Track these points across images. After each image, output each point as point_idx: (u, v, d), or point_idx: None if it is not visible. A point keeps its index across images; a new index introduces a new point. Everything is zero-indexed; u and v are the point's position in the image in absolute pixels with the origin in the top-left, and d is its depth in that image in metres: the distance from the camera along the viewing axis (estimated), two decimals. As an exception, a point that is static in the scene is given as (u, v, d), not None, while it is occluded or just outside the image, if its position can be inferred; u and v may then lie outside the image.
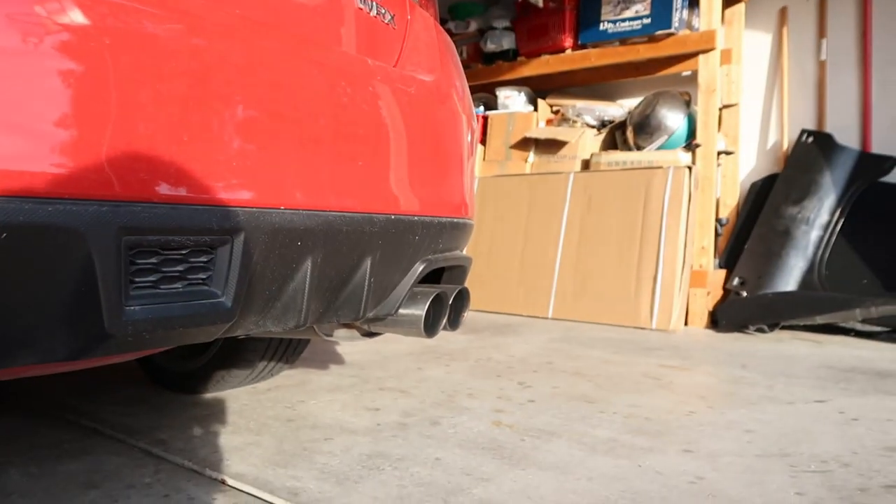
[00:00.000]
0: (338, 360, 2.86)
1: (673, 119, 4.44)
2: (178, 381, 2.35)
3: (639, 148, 4.53)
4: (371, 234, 1.39)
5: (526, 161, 4.89)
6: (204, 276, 1.11)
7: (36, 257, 0.89)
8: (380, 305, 1.56)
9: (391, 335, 1.81)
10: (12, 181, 0.85)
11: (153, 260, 1.05)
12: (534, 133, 4.87)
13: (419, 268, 1.59)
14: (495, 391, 2.43)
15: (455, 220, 1.72)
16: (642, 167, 4.31)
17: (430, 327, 1.66)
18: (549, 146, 4.81)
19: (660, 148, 4.41)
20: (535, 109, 5.05)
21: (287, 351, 2.33)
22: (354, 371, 2.67)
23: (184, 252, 1.08)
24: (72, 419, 1.94)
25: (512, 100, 5.11)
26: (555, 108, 5.13)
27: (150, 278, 1.05)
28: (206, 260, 1.11)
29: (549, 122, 5.06)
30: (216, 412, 2.06)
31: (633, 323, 4.03)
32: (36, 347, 0.94)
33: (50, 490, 1.45)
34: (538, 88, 5.18)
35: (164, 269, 1.06)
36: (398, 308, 1.60)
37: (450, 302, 1.63)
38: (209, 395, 2.25)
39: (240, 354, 2.28)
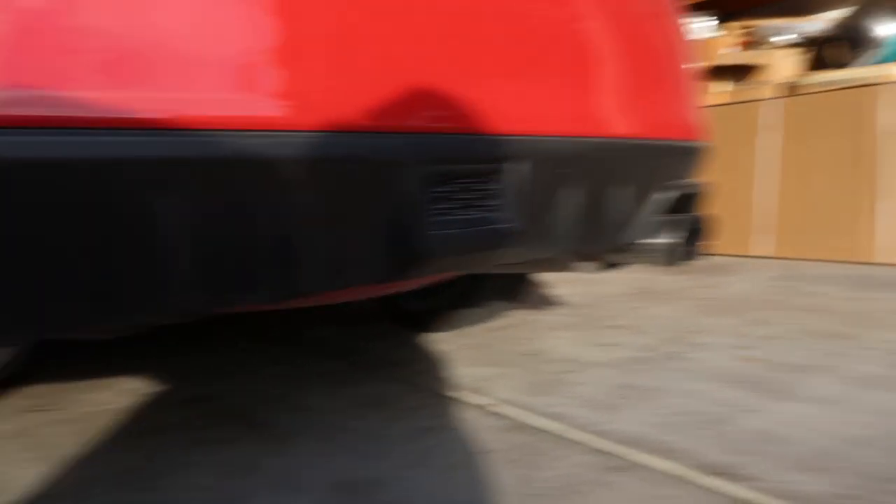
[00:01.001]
0: (556, 301, 2.89)
1: (885, 29, 3.88)
2: (416, 320, 2.50)
3: (844, 66, 4.02)
4: (618, 159, 1.38)
5: (716, 90, 4.55)
6: (494, 203, 1.17)
7: (367, 186, 0.98)
8: (624, 233, 1.56)
9: (601, 276, 1.79)
10: (349, 115, 0.94)
11: (451, 188, 1.11)
12: (723, 59, 4.50)
13: (657, 194, 1.56)
14: (730, 328, 2.33)
15: (688, 143, 1.66)
16: (851, 86, 3.83)
17: (672, 256, 1.62)
18: (741, 72, 4.43)
19: (870, 64, 3.89)
20: (722, 33, 4.66)
21: (513, 290, 2.39)
22: (576, 311, 2.69)
23: (476, 180, 1.14)
24: (336, 353, 2.15)
25: (697, 25, 4.74)
26: (744, 30, 4.69)
27: (449, 205, 1.12)
28: (494, 187, 1.16)
29: (738, 45, 4.65)
30: (459, 348, 2.17)
31: (852, 257, 3.67)
32: (363, 269, 1.05)
33: (343, 407, 1.62)
34: (725, 10, 4.76)
35: (460, 197, 1.13)
36: (642, 236, 1.58)
37: (689, 230, 1.58)
38: (444, 333, 2.38)
39: (473, 293, 2.38)
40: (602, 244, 1.51)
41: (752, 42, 4.56)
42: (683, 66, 1.70)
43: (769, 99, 4.15)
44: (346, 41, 0.96)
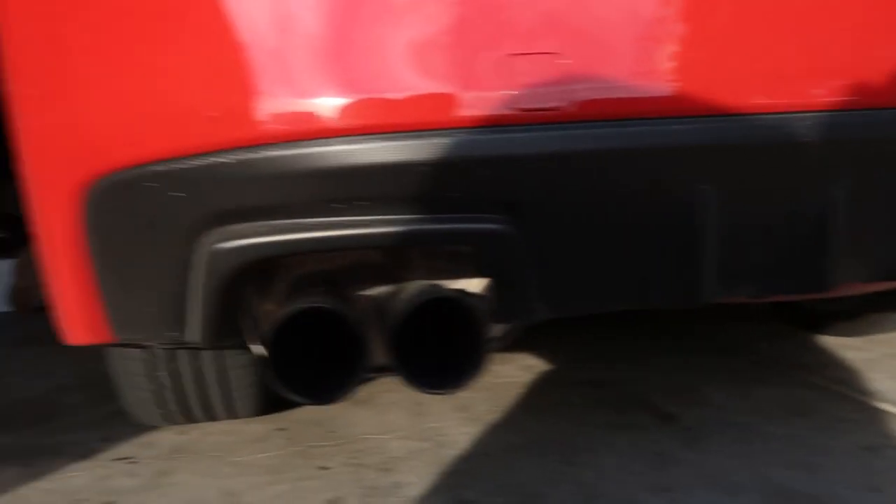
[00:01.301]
0: None
1: None
2: (818, 322, 2.21)
3: None
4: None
5: None
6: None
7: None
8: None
9: None
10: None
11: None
12: None
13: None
14: None
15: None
16: None
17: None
18: None
19: None
20: None
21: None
22: None
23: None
24: (731, 349, 2.00)
25: None
26: None
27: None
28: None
29: None
30: (881, 357, 1.85)
31: None
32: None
33: (757, 408, 1.49)
34: None
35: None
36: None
37: None
38: (854, 339, 2.05)
39: (889, 297, 2.01)
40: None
41: None
42: None
43: None
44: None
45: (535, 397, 1.65)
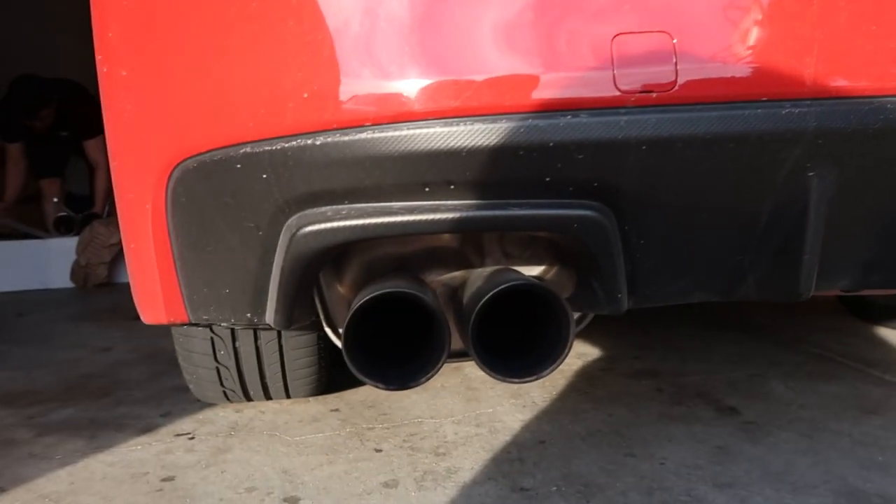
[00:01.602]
0: None
1: None
2: (885, 315, 2.12)
3: None
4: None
5: None
6: None
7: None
8: None
9: None
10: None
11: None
12: None
13: None
14: None
15: None
16: None
17: None
18: None
19: None
20: None
21: None
22: None
23: None
24: (792, 343, 1.94)
25: None
26: None
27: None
28: None
29: None
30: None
31: None
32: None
33: (824, 404, 1.43)
34: None
35: None
36: None
37: None
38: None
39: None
40: None
41: None
42: None
43: None
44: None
45: (591, 386, 1.62)
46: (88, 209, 4.19)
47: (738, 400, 1.49)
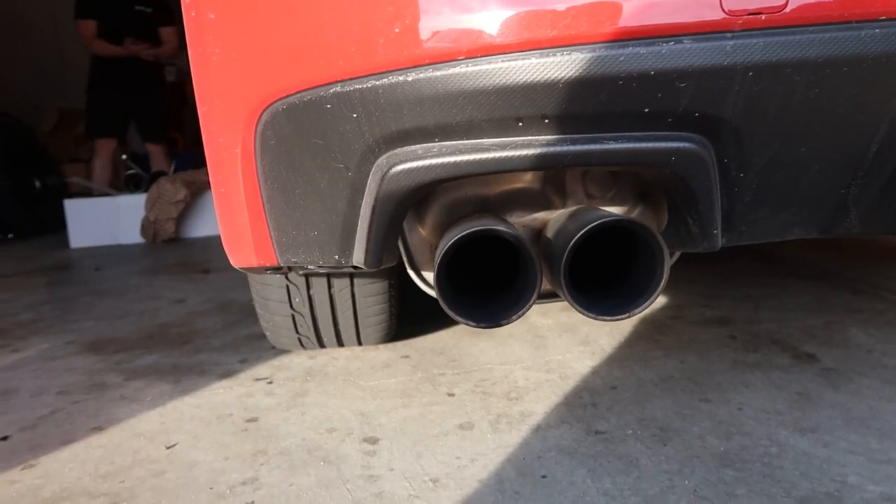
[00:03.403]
0: None
1: None
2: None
3: None
4: None
5: None
6: None
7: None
8: None
9: None
10: None
11: None
12: None
13: None
14: None
15: None
16: None
17: None
18: None
19: None
20: None
21: None
22: None
23: None
24: (868, 290, 1.87)
25: None
26: None
27: None
28: None
29: None
30: None
31: None
32: None
33: (908, 353, 1.39)
34: None
35: None
36: None
37: None
38: None
39: None
40: None
41: None
42: None
43: None
44: None
45: (660, 334, 1.61)
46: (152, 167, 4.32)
47: (816, 347, 1.45)
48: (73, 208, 3.99)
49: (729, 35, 0.67)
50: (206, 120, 0.83)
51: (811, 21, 0.67)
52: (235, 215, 0.86)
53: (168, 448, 1.17)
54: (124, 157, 4.39)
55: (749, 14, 0.66)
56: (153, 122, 4.43)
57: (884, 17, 0.67)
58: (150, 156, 4.47)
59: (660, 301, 1.87)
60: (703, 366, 1.39)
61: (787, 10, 0.66)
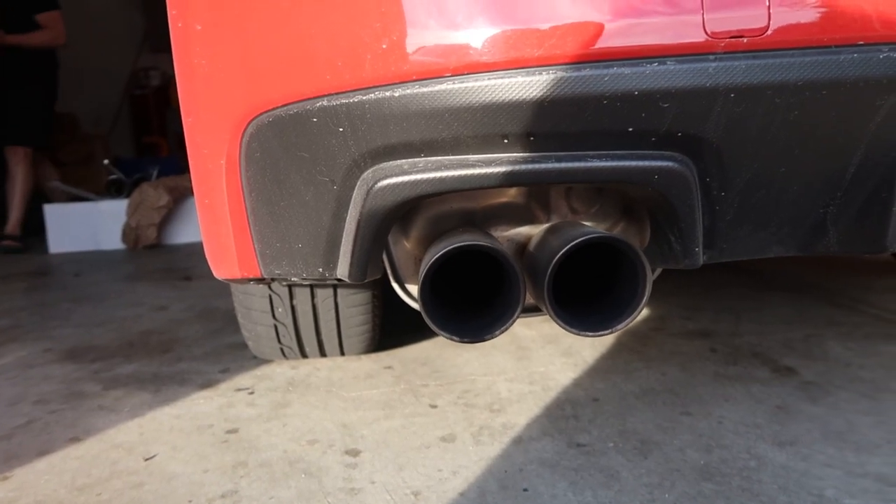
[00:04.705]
0: None
1: None
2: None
3: None
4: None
5: None
6: None
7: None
8: None
9: None
10: None
11: None
12: None
13: None
14: None
15: None
16: None
17: None
18: None
19: None
20: None
21: None
22: None
23: None
24: (847, 304, 1.90)
25: None
26: None
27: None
28: None
29: None
30: None
31: None
32: None
33: (885, 365, 1.41)
34: None
35: None
36: None
37: None
38: None
39: None
40: None
41: None
42: None
43: None
44: None
45: (642, 346, 1.62)
46: (135, 172, 4.28)
47: (796, 360, 1.47)
48: (53, 213, 3.95)
49: (711, 57, 0.68)
50: (191, 131, 0.83)
51: (792, 45, 0.68)
52: (219, 227, 0.86)
53: (146, 460, 1.16)
54: (106, 161, 4.34)
55: (731, 37, 0.67)
56: (18, 122, 3.86)
57: (861, 42, 0.68)
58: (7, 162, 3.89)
59: (642, 313, 1.89)
60: (685, 378, 1.40)
61: (769, 32, 0.67)
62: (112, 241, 3.93)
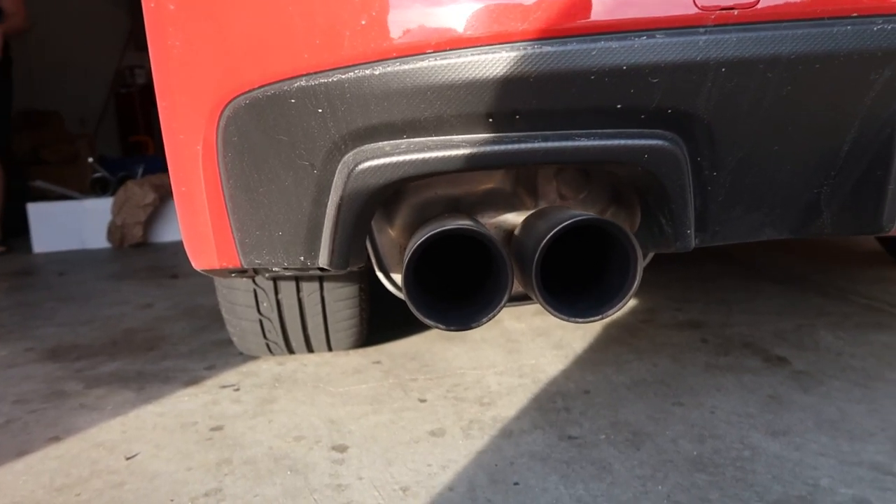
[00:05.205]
0: None
1: None
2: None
3: None
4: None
5: None
6: None
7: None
8: None
9: None
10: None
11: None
12: None
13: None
14: None
15: None
16: None
17: None
18: None
19: None
20: None
21: None
22: None
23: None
24: (838, 294, 1.89)
25: None
26: None
27: None
28: None
29: None
30: None
31: None
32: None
33: (876, 354, 1.40)
34: None
35: None
36: None
37: None
38: None
39: None
40: None
41: None
42: None
43: None
44: None
45: (633, 337, 1.60)
46: (120, 170, 4.23)
47: (787, 350, 1.46)
48: (37, 212, 3.89)
49: (702, 30, 0.66)
50: (166, 115, 0.80)
51: (784, 17, 0.66)
52: (196, 215, 0.83)
53: (128, 458, 1.13)
54: (91, 160, 4.29)
55: (722, 9, 0.65)
56: None
57: (855, 14, 0.67)
58: None
59: (632, 304, 1.87)
60: (676, 369, 1.38)
61: (760, 5, 0.66)
62: (97, 239, 3.88)
